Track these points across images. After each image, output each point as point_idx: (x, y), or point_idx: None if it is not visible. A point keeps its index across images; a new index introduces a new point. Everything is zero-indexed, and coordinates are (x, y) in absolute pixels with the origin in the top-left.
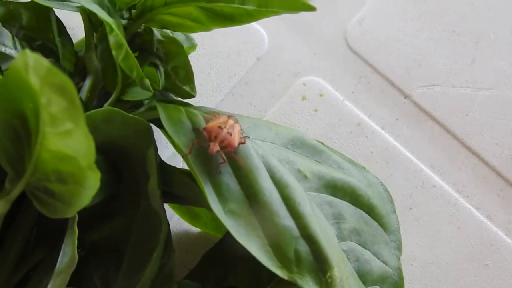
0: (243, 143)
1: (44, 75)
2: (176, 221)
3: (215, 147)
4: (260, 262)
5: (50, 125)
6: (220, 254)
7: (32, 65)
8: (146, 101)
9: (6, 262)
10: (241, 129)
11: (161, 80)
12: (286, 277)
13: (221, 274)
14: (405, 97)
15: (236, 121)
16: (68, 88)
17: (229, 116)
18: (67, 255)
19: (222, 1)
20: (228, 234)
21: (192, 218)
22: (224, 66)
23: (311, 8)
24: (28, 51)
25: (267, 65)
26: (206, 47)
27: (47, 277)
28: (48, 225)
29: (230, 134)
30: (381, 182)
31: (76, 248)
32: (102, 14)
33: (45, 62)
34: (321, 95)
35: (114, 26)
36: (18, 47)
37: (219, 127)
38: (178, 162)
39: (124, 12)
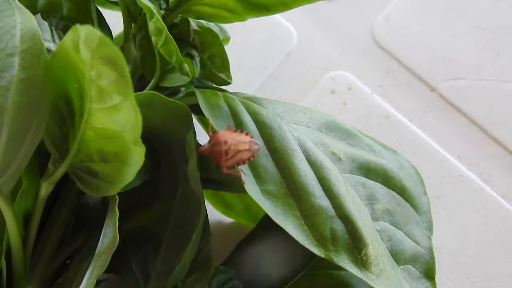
0: (237, 171)
1: (95, 47)
2: (209, 211)
3: (204, 150)
4: (293, 249)
5: (97, 101)
6: (254, 243)
7: (83, 38)
8: (183, 89)
9: (48, 245)
10: (249, 159)
11: (197, 70)
12: (322, 255)
13: (255, 262)
14: (432, 90)
15: (253, 152)
16: (119, 60)
17: (251, 142)
18: (108, 236)
19: None
20: (261, 223)
21: (225, 208)
22: (255, 62)
23: None
24: (78, 25)
25: (297, 61)
26: (237, 43)
27: (87, 261)
28: (85, 215)
29: (226, 153)
30: (412, 165)
31: (117, 229)
32: (144, 1)
33: (97, 33)
34: (349, 89)
35: (155, 11)
36: (57, 40)
37: (225, 141)
38: None
39: (161, 2)
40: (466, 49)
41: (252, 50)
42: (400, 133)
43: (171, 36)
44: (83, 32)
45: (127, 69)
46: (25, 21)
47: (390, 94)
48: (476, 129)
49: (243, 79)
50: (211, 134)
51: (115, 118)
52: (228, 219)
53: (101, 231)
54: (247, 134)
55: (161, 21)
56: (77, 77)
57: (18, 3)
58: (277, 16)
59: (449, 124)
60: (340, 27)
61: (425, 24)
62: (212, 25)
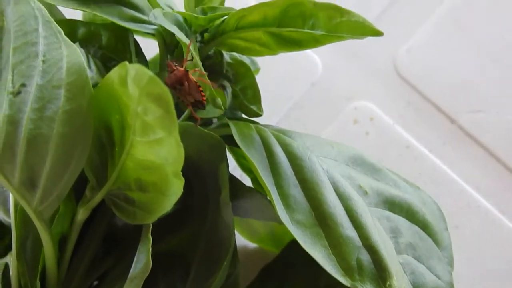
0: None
1: (144, 85)
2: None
3: (170, 65)
4: (317, 275)
5: (140, 134)
6: (278, 269)
7: (133, 75)
8: (215, 119)
9: (80, 266)
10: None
11: (228, 100)
12: (349, 285)
13: (278, 287)
14: (452, 122)
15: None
16: (166, 98)
17: (199, 103)
18: (141, 261)
19: (292, 26)
20: (285, 249)
21: (251, 234)
22: (280, 90)
23: (379, 33)
24: (127, 63)
25: (321, 90)
26: (264, 72)
27: (118, 284)
28: (114, 235)
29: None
30: (434, 201)
31: (150, 255)
32: (181, 37)
33: (147, 72)
34: (371, 119)
35: (192, 48)
36: (93, 67)
37: (181, 83)
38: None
39: (197, 35)
40: (486, 82)
41: (278, 79)
42: (420, 164)
43: (205, 72)
44: (133, 69)
45: (173, 107)
46: (71, 54)
47: (411, 125)
48: (494, 161)
49: (268, 107)
50: (190, 74)
51: (157, 151)
52: (252, 244)
53: (131, 253)
54: (204, 98)
55: (197, 57)
56: (120, 109)
57: (65, 37)
58: None
59: (468, 156)
60: (364, 58)
61: (446, 57)
62: (244, 58)
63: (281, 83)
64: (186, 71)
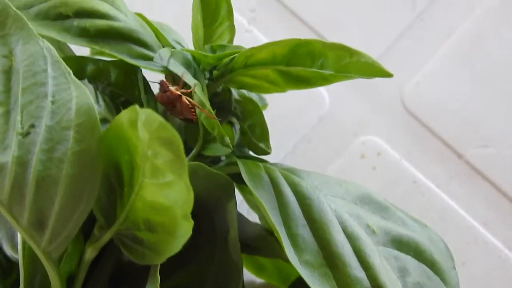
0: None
1: (155, 129)
2: None
3: (165, 82)
4: None
5: (150, 176)
6: None
7: (143, 119)
8: (223, 157)
9: None
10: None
11: (236, 137)
12: None
13: None
14: (459, 157)
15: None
16: (176, 142)
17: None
18: None
19: (301, 65)
20: (292, 285)
21: (257, 269)
22: (287, 124)
23: (388, 75)
24: (137, 107)
25: (328, 124)
26: (271, 106)
27: None
28: (123, 273)
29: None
30: (442, 239)
31: None
32: (188, 78)
33: (157, 117)
34: (379, 154)
35: (199, 88)
36: (101, 102)
37: (172, 103)
38: (242, 210)
39: (206, 73)
40: (494, 117)
41: (285, 114)
42: (427, 199)
43: (213, 111)
44: (143, 114)
45: (183, 151)
46: (80, 95)
47: (418, 160)
48: (501, 196)
49: (275, 141)
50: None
51: (166, 193)
52: (259, 280)
53: None
54: (195, 117)
55: (204, 97)
56: (129, 150)
57: (74, 77)
58: None
59: (475, 191)
60: (371, 93)
61: (454, 91)
62: (253, 94)
63: (288, 117)
64: (179, 95)
